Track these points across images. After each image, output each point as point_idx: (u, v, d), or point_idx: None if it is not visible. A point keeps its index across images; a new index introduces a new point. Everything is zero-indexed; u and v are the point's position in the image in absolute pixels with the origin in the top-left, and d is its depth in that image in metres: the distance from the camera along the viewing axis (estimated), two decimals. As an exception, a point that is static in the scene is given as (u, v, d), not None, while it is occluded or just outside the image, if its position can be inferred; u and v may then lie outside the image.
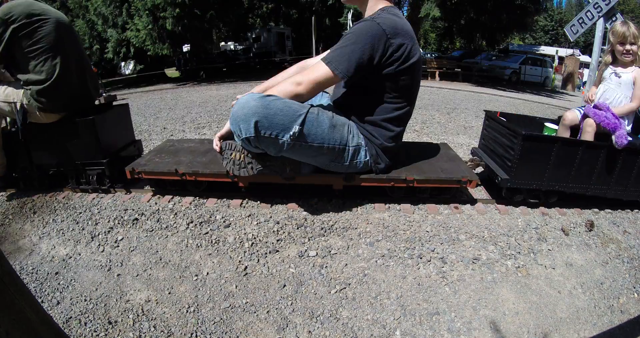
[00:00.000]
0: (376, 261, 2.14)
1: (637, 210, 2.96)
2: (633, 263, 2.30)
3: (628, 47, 2.69)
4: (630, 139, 2.61)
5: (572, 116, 2.98)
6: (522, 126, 3.15)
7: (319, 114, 2.04)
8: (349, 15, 14.60)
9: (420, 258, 2.16)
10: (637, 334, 1.83)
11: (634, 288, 2.11)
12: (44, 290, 2.04)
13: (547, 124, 3.23)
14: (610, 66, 2.88)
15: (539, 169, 2.63)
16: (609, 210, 2.90)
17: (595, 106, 2.80)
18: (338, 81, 2.01)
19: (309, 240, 2.31)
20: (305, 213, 2.54)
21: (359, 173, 2.38)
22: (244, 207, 2.64)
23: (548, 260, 2.24)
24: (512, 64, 18.02)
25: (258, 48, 22.38)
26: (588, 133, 2.73)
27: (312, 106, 2.09)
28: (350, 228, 2.41)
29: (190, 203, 2.68)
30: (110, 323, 1.81)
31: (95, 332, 1.77)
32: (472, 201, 2.80)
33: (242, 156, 2.19)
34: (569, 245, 2.39)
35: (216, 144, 2.30)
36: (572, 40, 7.35)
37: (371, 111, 2.15)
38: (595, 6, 5.90)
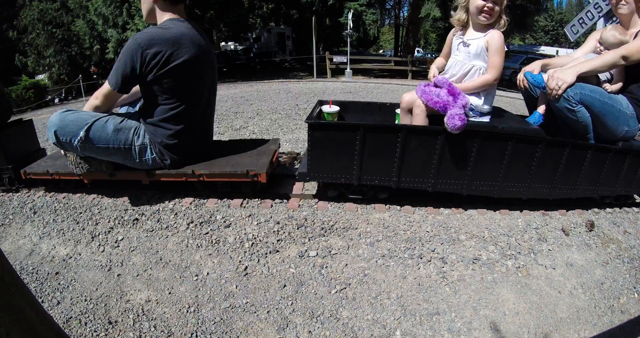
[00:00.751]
0: (376, 262, 2.14)
1: (637, 210, 2.96)
2: (633, 263, 2.30)
3: (490, 4, 2.18)
4: (479, 119, 2.27)
5: (408, 97, 2.48)
6: (363, 114, 2.83)
7: (107, 121, 2.38)
8: (349, 15, 14.62)
9: (421, 258, 2.16)
10: (637, 334, 1.83)
11: (634, 288, 2.11)
12: (44, 290, 2.04)
13: (398, 110, 2.65)
14: (458, 34, 2.41)
15: (344, 161, 2.34)
16: (610, 210, 2.90)
17: (435, 84, 2.36)
18: (115, 93, 2.30)
19: (309, 240, 2.31)
20: (305, 213, 2.54)
21: (155, 169, 2.57)
22: (244, 207, 2.64)
23: (548, 260, 2.24)
24: (513, 64, 18.01)
25: (258, 48, 22.39)
26: (417, 116, 2.35)
27: (110, 114, 2.47)
28: (351, 228, 2.41)
29: (191, 203, 2.68)
30: (110, 323, 1.81)
31: (96, 331, 1.77)
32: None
33: (74, 157, 2.51)
34: (569, 245, 2.39)
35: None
36: (572, 40, 7.34)
37: (151, 113, 2.39)
38: (596, 6, 5.90)
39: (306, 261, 2.15)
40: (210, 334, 1.73)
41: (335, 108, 2.68)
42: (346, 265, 2.12)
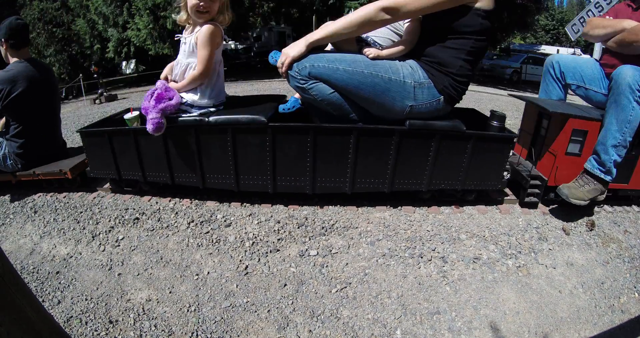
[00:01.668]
0: (377, 261, 2.14)
1: (638, 209, 2.96)
2: (634, 263, 2.30)
3: (204, 3, 2.09)
4: (197, 113, 2.22)
5: None
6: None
7: None
8: (350, 15, 14.60)
9: (421, 258, 2.16)
10: (637, 334, 1.83)
11: (635, 287, 2.11)
12: (45, 289, 2.04)
13: (126, 116, 2.53)
14: (182, 34, 2.32)
15: (106, 158, 2.56)
16: (610, 210, 2.90)
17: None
18: None
19: (309, 239, 2.31)
20: (306, 212, 2.54)
21: (15, 172, 2.93)
22: (245, 206, 2.64)
23: (549, 259, 2.23)
24: (514, 64, 18.02)
25: (259, 47, 22.37)
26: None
27: None
28: (351, 227, 2.41)
29: (191, 202, 2.68)
30: (111, 322, 1.82)
31: (96, 331, 1.77)
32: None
33: None
34: (569, 245, 2.39)
35: None
36: (573, 39, 7.33)
37: (7, 131, 2.91)
38: (597, 5, 5.89)
39: (307, 260, 2.15)
40: (210, 333, 1.73)
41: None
42: (347, 264, 2.12)
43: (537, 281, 2.06)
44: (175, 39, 2.35)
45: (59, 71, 16.69)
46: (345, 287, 1.97)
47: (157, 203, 2.70)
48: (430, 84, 2.09)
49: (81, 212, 2.66)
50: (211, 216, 2.51)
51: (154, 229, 2.43)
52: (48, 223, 2.58)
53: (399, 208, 2.63)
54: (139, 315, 1.84)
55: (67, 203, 2.80)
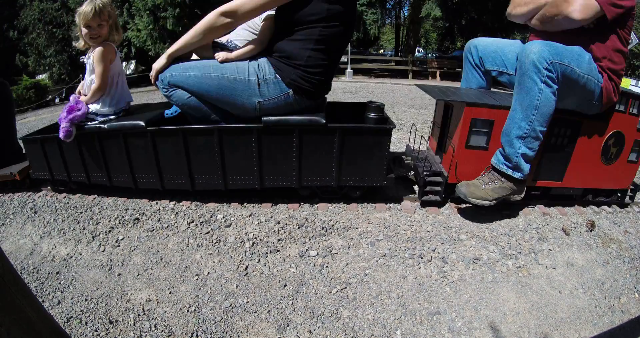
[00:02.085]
0: (377, 261, 2.14)
1: (638, 210, 2.96)
2: (634, 263, 2.30)
3: (94, 30, 2.36)
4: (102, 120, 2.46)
5: None
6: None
7: None
8: (350, 15, 14.61)
9: (421, 258, 2.16)
10: (637, 334, 1.83)
11: (635, 288, 2.11)
12: (44, 289, 2.04)
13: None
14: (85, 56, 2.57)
15: (41, 161, 2.77)
16: (610, 210, 2.90)
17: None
18: None
19: (309, 239, 2.31)
20: (306, 212, 2.54)
21: None
22: (245, 207, 2.64)
23: (549, 259, 2.23)
24: (513, 64, 17.99)
25: (259, 48, 22.39)
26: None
27: None
28: (351, 227, 2.41)
29: (191, 203, 2.68)
30: (111, 322, 1.82)
31: (96, 331, 1.77)
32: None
33: None
34: (569, 245, 2.39)
35: None
36: (573, 40, 7.34)
37: None
38: (597, 6, 5.88)
39: (307, 260, 2.15)
40: (210, 334, 1.73)
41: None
42: (347, 264, 2.12)
43: (537, 281, 2.06)
44: (81, 61, 2.62)
45: (59, 72, 16.70)
46: (345, 288, 1.97)
47: (157, 203, 2.70)
48: (276, 79, 2.11)
49: (81, 212, 2.66)
50: (211, 217, 2.51)
51: (154, 229, 2.43)
52: (48, 223, 2.58)
53: (399, 208, 2.63)
54: (139, 315, 1.84)
55: (67, 203, 2.80)
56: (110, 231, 2.45)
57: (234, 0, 1.97)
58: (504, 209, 2.70)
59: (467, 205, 2.70)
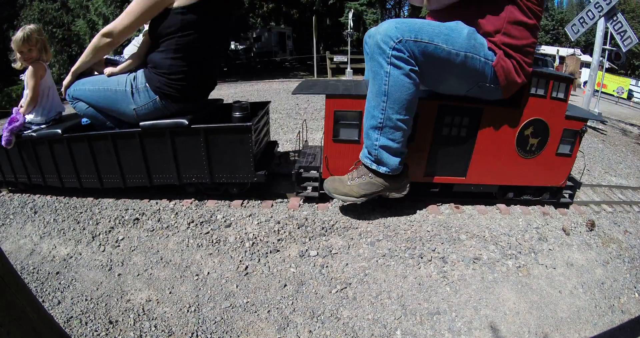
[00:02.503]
0: (377, 261, 2.14)
1: (638, 210, 2.96)
2: (634, 263, 2.30)
3: (25, 54, 2.70)
4: (25, 132, 2.70)
5: None
6: None
7: None
8: (350, 15, 14.61)
9: (421, 258, 2.16)
10: (638, 334, 1.83)
11: (635, 288, 2.11)
12: (45, 289, 2.04)
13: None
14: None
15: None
16: (610, 210, 2.90)
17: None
18: None
19: (309, 239, 2.31)
20: (306, 212, 2.54)
21: None
22: (245, 207, 2.64)
23: (549, 259, 2.23)
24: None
25: (259, 48, 22.40)
26: None
27: None
28: (351, 227, 2.41)
29: (191, 203, 2.68)
30: (111, 322, 1.82)
31: (96, 331, 1.77)
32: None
33: None
34: (569, 245, 2.39)
35: None
36: (573, 39, 7.35)
37: None
38: (596, 6, 5.91)
39: (307, 260, 2.15)
40: (210, 334, 1.73)
41: None
42: (347, 264, 2.12)
43: (537, 281, 2.06)
44: (20, 78, 2.91)
45: (59, 72, 16.70)
46: (345, 288, 1.97)
47: (157, 203, 2.71)
48: (146, 87, 2.31)
49: (81, 212, 2.66)
50: (211, 217, 2.51)
51: (154, 229, 2.43)
52: (48, 223, 2.58)
53: (399, 208, 2.63)
54: (139, 315, 1.84)
55: (67, 203, 2.80)
56: (110, 231, 2.45)
57: (112, 22, 2.21)
58: (504, 209, 2.70)
59: (468, 205, 2.71)
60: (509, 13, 1.93)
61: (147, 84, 2.30)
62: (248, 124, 2.33)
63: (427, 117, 2.26)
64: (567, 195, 2.76)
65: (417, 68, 1.89)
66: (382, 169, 2.11)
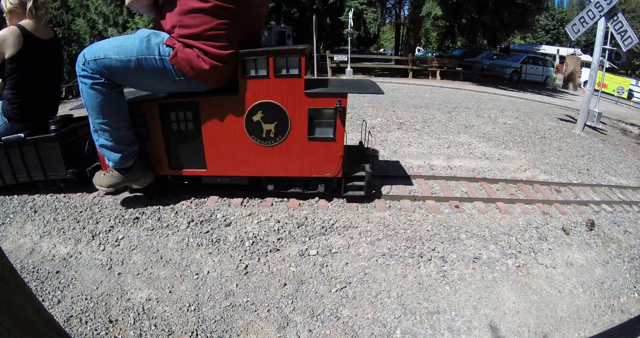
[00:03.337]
0: (377, 260, 2.14)
1: (637, 210, 2.96)
2: (634, 263, 2.30)
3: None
4: None
5: None
6: None
7: None
8: (350, 14, 14.59)
9: (421, 257, 2.16)
10: (637, 333, 1.83)
11: (635, 287, 2.11)
12: (45, 288, 2.04)
13: None
14: None
15: None
16: (610, 209, 2.90)
17: None
18: None
19: (309, 238, 2.31)
20: (305, 211, 2.54)
21: None
22: (245, 206, 2.64)
23: (549, 259, 2.24)
24: (514, 63, 17.98)
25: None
26: None
27: None
28: (351, 227, 2.41)
29: (191, 202, 2.68)
30: (111, 321, 1.82)
31: (96, 330, 1.77)
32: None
33: None
34: (569, 245, 2.39)
35: None
36: (573, 39, 7.34)
37: None
38: (597, 5, 5.90)
39: (306, 260, 2.15)
40: (210, 333, 1.73)
41: None
42: (346, 263, 2.12)
43: (537, 281, 2.06)
44: None
45: (59, 71, 16.69)
46: (345, 287, 1.97)
47: (157, 202, 2.70)
48: (0, 113, 2.73)
49: (81, 211, 2.66)
50: (211, 216, 2.51)
51: (154, 228, 2.43)
52: (48, 222, 2.58)
53: (399, 207, 2.63)
54: (138, 314, 1.84)
55: (67, 202, 2.80)
56: (110, 230, 2.45)
57: None
58: (503, 208, 2.70)
59: (468, 203, 2.71)
60: (182, 5, 2.05)
61: (1, 111, 2.74)
62: (52, 134, 2.66)
63: (153, 117, 2.38)
64: (359, 187, 2.53)
65: (102, 81, 2.19)
66: (111, 164, 2.42)
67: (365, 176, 2.45)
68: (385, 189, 2.87)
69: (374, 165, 2.61)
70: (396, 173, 3.25)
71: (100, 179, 2.50)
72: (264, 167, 2.41)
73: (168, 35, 2.15)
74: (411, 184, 3.04)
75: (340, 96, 2.19)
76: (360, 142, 2.99)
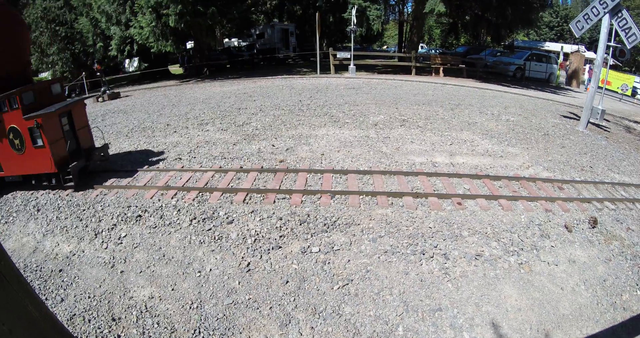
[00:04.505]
0: (379, 258, 2.14)
1: (641, 207, 2.95)
2: (636, 260, 2.29)
3: None
4: None
5: None
6: None
7: None
8: (353, 11, 14.55)
9: (423, 255, 2.16)
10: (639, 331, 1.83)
11: (637, 285, 2.10)
12: (48, 287, 2.05)
13: None
14: None
15: None
16: (613, 207, 2.88)
17: None
18: None
19: (311, 236, 2.31)
20: (308, 209, 2.54)
21: None
22: (247, 203, 2.64)
23: (551, 256, 2.23)
24: (517, 60, 17.88)
25: (262, 44, 22.29)
26: None
27: None
28: (353, 224, 2.41)
29: (194, 200, 2.69)
30: (114, 319, 1.83)
31: (99, 328, 1.78)
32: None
33: None
34: (572, 242, 2.38)
35: None
36: (577, 36, 7.29)
37: None
38: (601, 2, 5.87)
39: (308, 257, 2.15)
40: (213, 330, 1.74)
41: None
42: (348, 261, 2.12)
43: (539, 278, 2.06)
44: None
45: (62, 70, 16.73)
46: (347, 284, 1.97)
47: (159, 200, 2.71)
48: None
49: (84, 210, 2.67)
50: (213, 213, 2.52)
51: (156, 226, 2.43)
52: (51, 221, 2.59)
53: (401, 204, 2.63)
54: (141, 312, 1.85)
55: (70, 201, 2.81)
56: (112, 228, 2.46)
57: None
58: (506, 205, 2.69)
59: (471, 200, 2.70)
60: None
61: None
62: None
63: None
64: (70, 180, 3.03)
65: None
66: None
67: (71, 170, 3.04)
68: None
69: (90, 161, 3.26)
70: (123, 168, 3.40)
71: None
72: (22, 168, 2.99)
73: None
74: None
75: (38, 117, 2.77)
76: (106, 144, 3.55)
